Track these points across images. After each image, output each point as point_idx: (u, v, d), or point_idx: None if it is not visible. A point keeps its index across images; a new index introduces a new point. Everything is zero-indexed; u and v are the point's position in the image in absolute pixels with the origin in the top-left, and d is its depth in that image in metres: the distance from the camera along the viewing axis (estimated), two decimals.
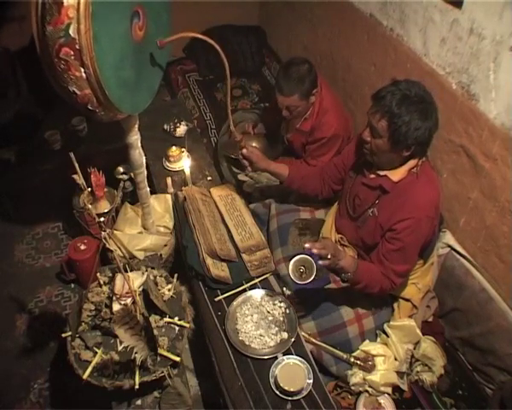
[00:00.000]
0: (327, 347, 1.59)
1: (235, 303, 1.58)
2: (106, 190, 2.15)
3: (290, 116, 2.04)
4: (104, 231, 1.41)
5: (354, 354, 1.61)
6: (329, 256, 1.37)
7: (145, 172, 1.77)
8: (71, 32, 1.08)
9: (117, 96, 1.26)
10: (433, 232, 1.52)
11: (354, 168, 1.67)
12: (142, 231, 1.94)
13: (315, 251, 1.37)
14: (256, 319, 1.55)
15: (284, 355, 1.44)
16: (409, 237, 1.45)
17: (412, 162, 1.47)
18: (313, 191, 1.86)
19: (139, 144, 1.67)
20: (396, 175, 1.49)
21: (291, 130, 2.19)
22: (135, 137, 1.63)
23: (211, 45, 1.45)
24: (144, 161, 1.73)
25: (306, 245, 1.38)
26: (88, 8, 1.07)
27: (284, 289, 1.71)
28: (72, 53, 1.11)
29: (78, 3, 1.06)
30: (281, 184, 1.94)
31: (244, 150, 1.76)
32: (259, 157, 1.78)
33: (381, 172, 1.52)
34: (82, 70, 1.14)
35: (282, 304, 1.58)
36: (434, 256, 1.74)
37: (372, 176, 1.56)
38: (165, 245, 1.94)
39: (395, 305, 1.72)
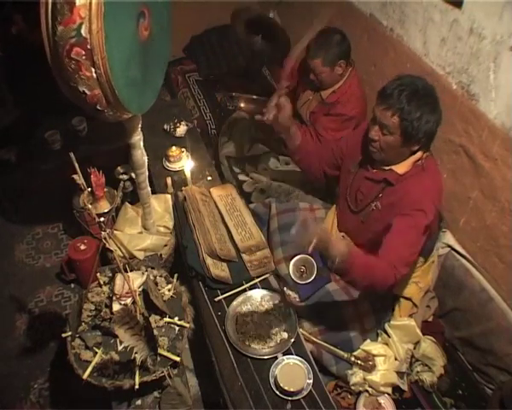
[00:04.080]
0: (327, 346, 1.59)
1: (235, 303, 1.58)
2: (106, 190, 2.15)
3: (316, 81, 2.09)
4: (104, 231, 1.41)
5: (355, 353, 1.61)
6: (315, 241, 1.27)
7: (147, 173, 1.76)
8: (83, 31, 1.08)
9: (125, 95, 1.26)
10: (433, 225, 1.50)
11: (354, 163, 1.66)
12: (143, 231, 1.94)
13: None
14: (256, 319, 1.55)
15: (284, 355, 1.44)
16: (417, 216, 1.42)
17: (417, 155, 1.48)
18: (309, 168, 1.89)
19: (141, 144, 1.67)
20: (401, 168, 1.50)
21: (316, 102, 2.21)
22: (137, 138, 1.63)
23: None
24: (146, 161, 1.73)
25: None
26: (100, 7, 1.07)
27: (285, 288, 1.71)
28: (83, 53, 1.11)
29: (90, 3, 1.07)
30: (285, 147, 1.93)
31: (282, 98, 1.74)
32: (288, 114, 1.76)
33: (386, 167, 1.53)
34: (93, 70, 1.14)
35: (282, 304, 1.58)
36: (435, 255, 1.74)
37: (376, 170, 1.57)
38: (165, 245, 1.94)
39: (396, 304, 1.72)
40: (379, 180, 1.54)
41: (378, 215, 1.55)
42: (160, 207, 1.99)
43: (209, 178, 2.12)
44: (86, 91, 1.18)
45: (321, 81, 2.09)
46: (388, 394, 1.57)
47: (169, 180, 2.04)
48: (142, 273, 1.58)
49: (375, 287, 1.42)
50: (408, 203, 1.44)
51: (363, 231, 1.63)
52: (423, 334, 1.67)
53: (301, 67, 2.25)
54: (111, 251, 1.58)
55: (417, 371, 1.63)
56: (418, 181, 1.46)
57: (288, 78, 1.82)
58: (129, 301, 1.46)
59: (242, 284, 1.65)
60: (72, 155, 1.45)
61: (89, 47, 1.10)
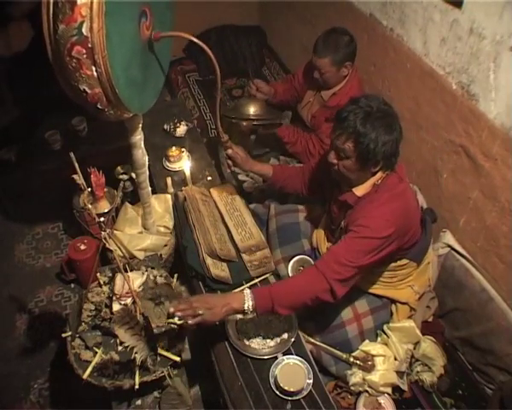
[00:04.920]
0: (326, 347, 1.59)
1: None
2: (106, 190, 2.15)
3: (320, 80, 2.10)
4: (104, 231, 1.41)
5: (354, 353, 1.61)
6: (202, 311, 1.27)
7: (147, 172, 1.76)
8: (84, 30, 1.09)
9: (126, 95, 1.27)
10: (402, 241, 1.46)
11: (331, 183, 1.66)
12: (143, 231, 1.94)
13: (179, 314, 1.26)
14: (256, 319, 1.55)
15: (284, 355, 1.44)
16: (361, 229, 1.38)
17: (377, 176, 1.46)
18: (295, 191, 1.90)
19: (142, 144, 1.67)
20: (360, 190, 1.48)
21: (317, 105, 2.22)
22: (138, 137, 1.63)
23: (201, 48, 1.46)
24: (147, 160, 1.73)
25: (170, 310, 1.27)
26: (101, 6, 1.08)
27: None
28: (84, 51, 1.11)
29: (92, 2, 1.07)
30: (264, 182, 2.01)
31: (229, 151, 1.77)
32: (243, 159, 1.80)
33: (349, 188, 1.52)
34: (93, 69, 1.15)
35: None
36: (429, 257, 1.73)
37: (341, 192, 1.56)
38: (165, 245, 1.94)
39: (393, 309, 1.71)
40: (342, 202, 1.54)
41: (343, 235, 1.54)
42: (160, 207, 1.99)
43: (209, 178, 2.12)
44: (87, 90, 1.19)
45: (324, 80, 2.10)
46: (388, 394, 1.57)
47: (169, 180, 2.04)
48: (142, 273, 1.58)
49: (319, 297, 1.37)
50: (354, 221, 1.43)
51: None
52: (423, 334, 1.67)
53: (306, 68, 2.25)
54: (111, 251, 1.58)
55: (417, 371, 1.63)
56: (371, 201, 1.44)
57: (222, 133, 1.81)
58: (129, 301, 1.46)
59: (242, 284, 1.65)
60: (72, 155, 1.45)
61: (89, 46, 1.11)
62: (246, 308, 1.33)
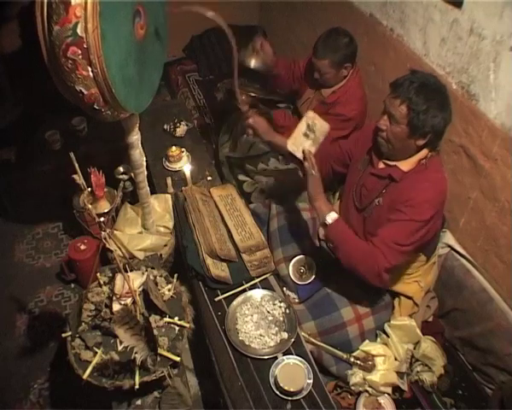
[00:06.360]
0: (327, 347, 1.59)
1: (235, 303, 1.58)
2: (106, 190, 2.15)
3: (320, 80, 2.12)
4: (104, 231, 1.41)
5: (354, 354, 1.61)
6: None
7: (145, 172, 1.77)
8: (78, 31, 1.09)
9: (122, 94, 1.27)
10: (433, 225, 1.50)
11: (361, 161, 1.67)
12: (142, 231, 1.94)
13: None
14: (256, 319, 1.55)
15: (284, 355, 1.44)
16: (409, 212, 1.44)
17: (423, 153, 1.48)
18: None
19: (139, 144, 1.67)
20: (406, 165, 1.50)
21: (316, 102, 2.23)
22: (135, 137, 1.63)
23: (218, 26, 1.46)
24: (144, 160, 1.73)
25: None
26: (96, 7, 1.08)
27: (284, 289, 1.71)
28: (79, 52, 1.11)
29: (86, 3, 1.07)
30: (281, 155, 1.98)
31: (250, 120, 1.75)
32: (265, 128, 1.78)
33: (391, 162, 1.53)
34: (89, 69, 1.15)
35: (282, 304, 1.58)
36: (435, 257, 1.74)
37: (382, 166, 1.57)
38: (165, 245, 1.94)
39: (396, 302, 1.71)
40: (384, 176, 1.55)
41: (380, 211, 1.55)
42: (160, 207, 1.99)
43: (209, 178, 2.12)
44: (83, 91, 1.19)
45: (324, 81, 2.11)
46: (388, 394, 1.57)
47: (169, 180, 2.04)
48: (142, 273, 1.57)
49: (359, 270, 1.46)
50: (403, 200, 1.46)
51: (366, 227, 1.63)
52: (423, 334, 1.67)
53: (306, 66, 2.25)
54: (111, 251, 1.58)
55: (417, 371, 1.63)
56: (418, 180, 1.47)
57: (243, 102, 1.80)
58: (129, 301, 1.46)
59: (242, 284, 1.65)
60: (72, 155, 1.45)
61: (85, 46, 1.11)
62: (326, 218, 1.50)
